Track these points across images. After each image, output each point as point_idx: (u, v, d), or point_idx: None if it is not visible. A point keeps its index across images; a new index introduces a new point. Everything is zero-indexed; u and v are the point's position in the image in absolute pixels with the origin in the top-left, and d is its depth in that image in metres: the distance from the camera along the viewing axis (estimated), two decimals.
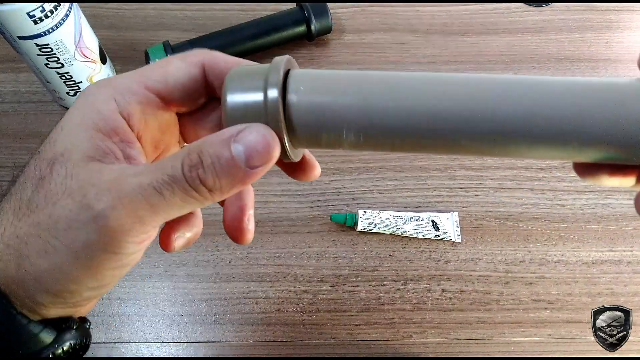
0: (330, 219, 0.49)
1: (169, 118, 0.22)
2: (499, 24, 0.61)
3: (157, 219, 0.18)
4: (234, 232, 0.23)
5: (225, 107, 0.19)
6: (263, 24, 0.56)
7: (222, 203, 0.24)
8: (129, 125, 0.20)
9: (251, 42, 0.56)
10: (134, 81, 0.20)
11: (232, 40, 0.55)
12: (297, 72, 0.19)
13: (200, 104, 0.22)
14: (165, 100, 0.21)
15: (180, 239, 0.23)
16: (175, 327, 0.46)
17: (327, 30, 0.58)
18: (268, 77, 0.18)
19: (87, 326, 0.21)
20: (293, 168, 0.23)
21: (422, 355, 0.46)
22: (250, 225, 0.23)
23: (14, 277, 0.18)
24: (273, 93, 0.18)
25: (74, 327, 0.20)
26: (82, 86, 0.51)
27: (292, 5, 0.58)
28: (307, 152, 0.23)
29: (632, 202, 0.52)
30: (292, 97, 0.18)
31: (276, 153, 0.18)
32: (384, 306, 0.47)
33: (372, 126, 0.18)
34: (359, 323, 0.46)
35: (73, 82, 0.50)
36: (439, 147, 0.19)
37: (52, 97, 0.54)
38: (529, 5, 0.62)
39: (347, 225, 0.49)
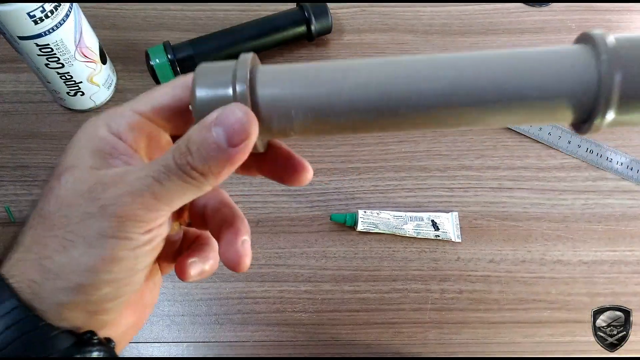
0: (330, 219, 0.49)
1: (163, 136, 0.23)
2: (499, 24, 0.61)
3: (160, 205, 0.20)
4: (229, 258, 0.23)
5: (194, 102, 0.20)
6: (263, 24, 0.56)
7: (217, 237, 0.25)
8: (123, 142, 0.22)
9: (251, 42, 0.56)
10: (125, 108, 0.22)
11: (232, 41, 0.55)
12: (260, 68, 0.21)
13: (189, 121, 0.23)
14: (153, 120, 0.22)
15: (195, 265, 0.25)
16: (175, 327, 0.46)
17: (327, 30, 0.58)
18: (236, 72, 0.20)
19: (112, 345, 0.21)
20: (284, 173, 0.24)
21: (422, 355, 0.46)
22: (245, 249, 0.23)
23: (37, 279, 0.20)
24: (242, 87, 0.20)
25: (95, 339, 0.20)
26: (83, 86, 0.51)
27: (292, 6, 0.58)
28: (297, 156, 0.24)
29: (632, 202, 0.52)
30: (256, 90, 0.20)
31: (254, 128, 0.19)
32: (384, 306, 0.47)
33: (316, 109, 0.20)
34: (359, 323, 0.46)
35: (73, 82, 0.50)
36: (379, 123, 0.20)
37: (53, 97, 0.54)
38: (529, 5, 0.62)
39: (347, 225, 0.49)
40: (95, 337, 0.20)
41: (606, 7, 0.62)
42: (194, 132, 0.19)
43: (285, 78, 0.20)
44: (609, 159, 0.53)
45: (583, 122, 0.20)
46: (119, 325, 0.23)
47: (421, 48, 0.59)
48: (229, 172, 0.20)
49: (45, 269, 0.20)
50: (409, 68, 0.20)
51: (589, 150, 0.54)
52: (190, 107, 0.20)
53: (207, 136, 0.19)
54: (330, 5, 0.58)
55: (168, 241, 0.25)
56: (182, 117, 0.23)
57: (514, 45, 0.60)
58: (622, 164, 0.53)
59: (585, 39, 0.19)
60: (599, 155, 0.53)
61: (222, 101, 0.20)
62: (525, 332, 0.47)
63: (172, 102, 0.22)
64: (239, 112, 0.19)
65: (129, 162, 0.21)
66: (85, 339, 0.20)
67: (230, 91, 0.20)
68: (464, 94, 0.19)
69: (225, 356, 0.45)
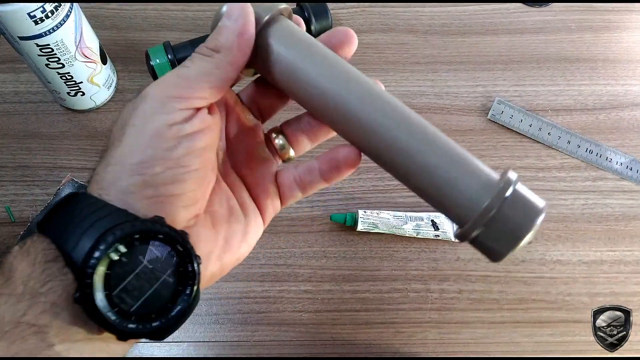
0: (330, 219, 0.49)
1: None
2: (498, 25, 0.61)
3: (189, 83, 0.23)
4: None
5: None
6: None
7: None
8: None
9: None
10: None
11: None
12: (281, 22, 0.25)
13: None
14: None
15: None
16: None
17: (327, 30, 0.58)
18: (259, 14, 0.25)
19: (186, 236, 0.23)
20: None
21: (422, 355, 0.46)
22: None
23: (101, 174, 0.23)
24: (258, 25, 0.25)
25: (163, 220, 0.22)
26: (83, 86, 0.51)
27: (292, 6, 0.58)
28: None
29: (632, 202, 0.52)
30: (267, 32, 0.25)
31: (249, 8, 0.24)
32: (383, 306, 0.47)
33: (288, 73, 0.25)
34: (359, 323, 0.47)
35: (74, 83, 0.50)
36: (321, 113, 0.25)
37: (53, 97, 0.54)
38: (528, 5, 0.62)
39: (347, 225, 0.49)
40: (163, 219, 0.22)
41: (605, 7, 0.62)
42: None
43: (288, 41, 0.25)
44: (609, 159, 0.53)
45: (460, 226, 0.24)
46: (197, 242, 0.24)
47: (421, 48, 0.59)
48: (240, 47, 0.24)
49: (107, 163, 0.22)
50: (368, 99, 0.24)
51: (588, 151, 0.54)
52: None
53: (218, 26, 0.24)
54: (330, 5, 0.58)
55: (259, 158, 0.28)
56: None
57: (512, 46, 0.60)
58: (621, 164, 0.53)
59: (503, 174, 0.23)
60: (599, 155, 0.54)
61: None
62: (524, 332, 0.47)
63: None
64: (236, 5, 0.24)
65: None
66: (152, 219, 0.21)
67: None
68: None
69: (225, 356, 0.46)
